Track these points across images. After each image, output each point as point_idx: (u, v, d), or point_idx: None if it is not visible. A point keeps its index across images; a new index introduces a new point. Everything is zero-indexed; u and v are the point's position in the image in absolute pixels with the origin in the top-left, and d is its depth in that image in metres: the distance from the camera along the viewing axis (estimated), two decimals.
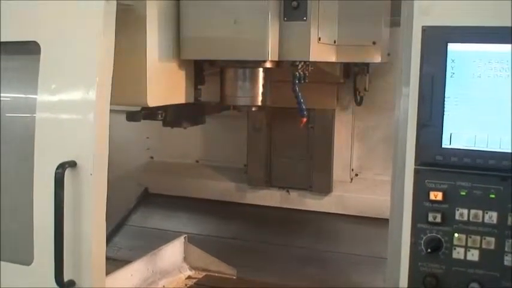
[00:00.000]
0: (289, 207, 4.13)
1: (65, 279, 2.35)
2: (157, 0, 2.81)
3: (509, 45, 1.92)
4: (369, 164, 4.06)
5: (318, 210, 4.05)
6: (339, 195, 4.02)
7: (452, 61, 1.99)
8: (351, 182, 4.10)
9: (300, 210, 4.09)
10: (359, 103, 3.91)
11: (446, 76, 2.00)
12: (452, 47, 1.99)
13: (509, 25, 1.90)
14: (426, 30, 2.01)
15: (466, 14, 1.97)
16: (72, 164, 2.33)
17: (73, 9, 2.41)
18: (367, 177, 4.08)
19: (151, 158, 4.68)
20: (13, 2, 2.53)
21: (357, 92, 3.86)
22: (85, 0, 2.37)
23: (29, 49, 2.47)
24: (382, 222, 3.53)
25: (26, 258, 2.48)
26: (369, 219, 3.89)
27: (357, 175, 4.11)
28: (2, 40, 2.54)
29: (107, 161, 2.39)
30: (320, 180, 4.00)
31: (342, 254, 3.81)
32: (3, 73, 2.64)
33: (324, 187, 4.01)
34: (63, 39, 2.43)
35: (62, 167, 2.31)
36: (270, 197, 4.17)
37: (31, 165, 2.44)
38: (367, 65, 3.74)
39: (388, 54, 3.53)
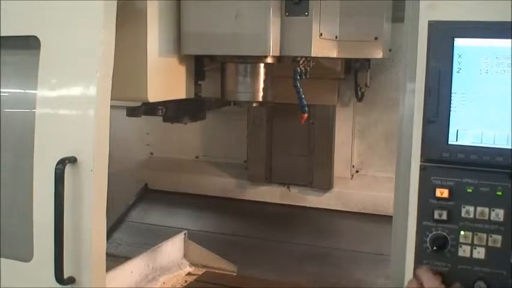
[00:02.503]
0: (289, 203, 4.11)
1: (65, 275, 2.33)
2: None
3: None
4: (369, 160, 4.05)
5: (318, 206, 4.03)
6: (339, 192, 4.00)
7: (459, 56, 1.96)
8: (352, 178, 4.09)
9: (301, 206, 4.07)
10: (360, 99, 3.89)
11: (453, 72, 1.96)
12: (459, 42, 1.95)
13: None
14: (433, 25, 1.98)
15: (473, 9, 1.93)
16: (73, 160, 2.31)
17: (73, 3, 2.38)
18: (368, 174, 4.07)
19: (151, 153, 4.67)
20: None
21: (358, 88, 3.84)
22: None
23: (29, 44, 2.44)
24: (383, 218, 3.57)
25: (25, 255, 2.46)
26: (370, 216, 3.89)
27: (357, 171, 4.10)
28: (1, 35, 2.52)
29: (108, 157, 2.37)
30: (321, 177, 3.98)
31: (342, 251, 3.80)
32: (2, 68, 2.62)
33: (325, 183, 3.99)
34: (64, 34, 2.40)
35: (62, 163, 2.29)
36: (270, 193, 4.15)
37: (31, 161, 2.42)
38: (368, 60, 3.72)
39: (390, 50, 3.51)
